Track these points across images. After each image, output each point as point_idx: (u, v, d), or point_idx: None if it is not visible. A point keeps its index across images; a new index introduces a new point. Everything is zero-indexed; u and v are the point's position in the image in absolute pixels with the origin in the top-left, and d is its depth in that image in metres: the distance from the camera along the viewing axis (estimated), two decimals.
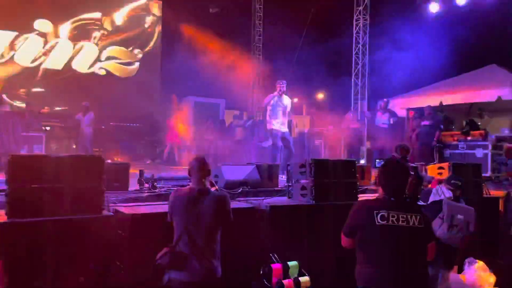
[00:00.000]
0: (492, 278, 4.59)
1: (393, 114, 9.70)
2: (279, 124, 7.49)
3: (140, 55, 13.96)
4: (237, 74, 15.49)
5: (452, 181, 4.38)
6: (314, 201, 4.59)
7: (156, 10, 14.38)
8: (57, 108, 12.26)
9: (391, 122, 9.47)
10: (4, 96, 9.72)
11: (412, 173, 4.54)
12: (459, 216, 4.01)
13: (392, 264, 2.57)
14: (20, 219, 3.22)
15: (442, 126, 9.46)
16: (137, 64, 13.91)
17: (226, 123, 12.92)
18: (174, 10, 13.70)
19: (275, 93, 7.53)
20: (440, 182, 4.68)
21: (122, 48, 13.69)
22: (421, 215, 2.68)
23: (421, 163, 6.93)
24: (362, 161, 10.27)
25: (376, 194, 3.09)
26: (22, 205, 3.25)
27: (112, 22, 13.55)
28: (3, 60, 11.96)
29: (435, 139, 9.05)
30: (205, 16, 13.79)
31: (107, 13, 13.46)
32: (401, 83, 12.12)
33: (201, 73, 13.39)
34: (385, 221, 2.61)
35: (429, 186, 4.91)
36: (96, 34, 13.27)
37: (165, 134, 11.60)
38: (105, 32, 13.40)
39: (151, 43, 14.22)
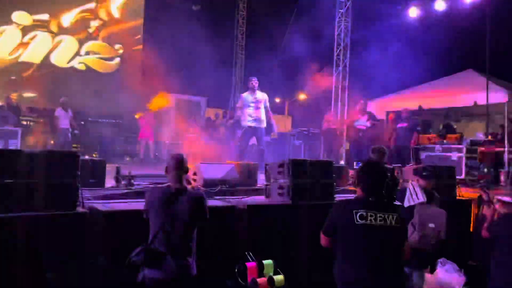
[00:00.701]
0: (463, 279, 4.73)
1: (371, 116, 9.83)
2: (250, 120, 7.50)
3: (120, 51, 13.78)
4: (219, 72, 15.47)
5: (424, 174, 4.46)
6: (291, 201, 4.62)
7: (137, 6, 14.21)
8: (37, 103, 12.00)
9: (369, 124, 9.60)
10: None
11: (389, 174, 4.62)
12: (430, 225, 4.09)
13: (370, 262, 2.63)
14: None
15: (419, 129, 9.64)
16: (117, 60, 13.73)
17: (210, 120, 12.89)
18: (156, 7, 13.59)
19: (246, 92, 7.60)
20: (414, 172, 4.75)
21: (103, 43, 13.50)
22: (397, 215, 2.75)
23: (398, 165, 7.05)
24: (342, 162, 10.39)
25: (354, 195, 3.14)
26: None
27: (95, 16, 13.34)
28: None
29: (412, 141, 9.21)
30: (187, 14, 13.70)
31: (87, 7, 13.24)
32: (380, 85, 12.32)
33: (183, 71, 13.33)
34: (364, 220, 2.67)
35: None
36: (76, 28, 13.04)
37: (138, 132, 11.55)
38: (86, 27, 13.18)
39: (132, 39, 14.04)
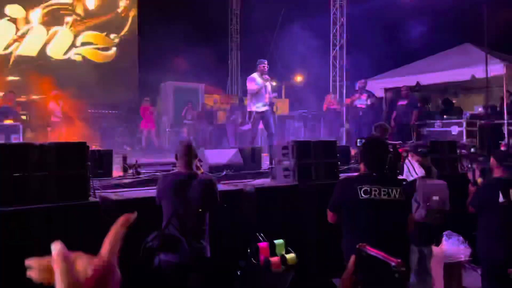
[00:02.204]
0: (469, 250, 4.83)
1: (370, 94, 9.85)
2: (264, 105, 7.26)
3: (116, 40, 13.68)
4: (215, 57, 15.40)
5: (419, 150, 4.50)
6: (297, 182, 4.69)
7: None
8: (34, 97, 11.95)
9: (369, 102, 9.62)
10: None
11: (391, 150, 4.66)
12: (434, 198, 4.14)
13: (376, 236, 2.69)
14: (6, 207, 3.20)
15: (419, 105, 9.67)
16: (114, 49, 13.64)
17: (206, 107, 12.89)
18: None
19: (256, 75, 7.30)
20: (406, 151, 4.78)
21: (98, 33, 13.39)
22: (401, 188, 2.81)
23: (399, 142, 7.10)
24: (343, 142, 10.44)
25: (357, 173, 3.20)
26: (8, 194, 3.23)
27: (84, 7, 13.20)
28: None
29: (413, 118, 9.26)
30: (181, 2, 13.58)
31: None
32: (378, 63, 12.30)
33: (179, 58, 13.28)
34: (368, 195, 2.73)
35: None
36: (68, 19, 12.91)
37: (139, 121, 11.55)
38: (78, 18, 13.05)
39: (127, 28, 13.92)
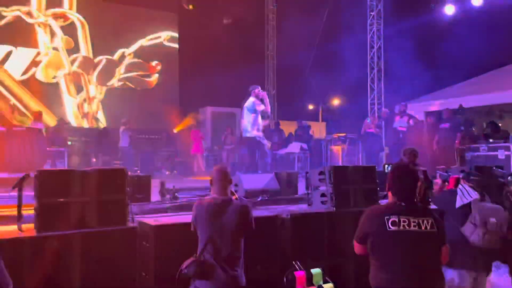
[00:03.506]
0: None
1: (411, 117, 9.61)
2: (257, 130, 7.31)
3: (158, 67, 14.20)
4: (253, 82, 15.59)
5: (471, 178, 4.29)
6: (334, 208, 4.59)
7: (172, 22, 14.63)
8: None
9: (411, 123, 9.37)
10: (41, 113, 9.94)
11: (422, 176, 4.48)
12: (492, 220, 3.91)
13: (406, 269, 2.56)
14: (49, 232, 3.31)
15: (462, 128, 9.33)
16: (155, 76, 14.15)
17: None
18: (189, 23, 13.94)
19: (253, 100, 7.31)
20: (457, 181, 4.59)
21: (140, 60, 13.96)
22: (433, 219, 2.66)
23: (442, 166, 6.85)
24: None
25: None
26: (50, 219, 3.34)
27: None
28: (25, 76, 12.28)
29: (456, 141, 8.93)
30: (219, 28, 13.97)
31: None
32: (418, 86, 12.04)
33: (217, 84, 13.57)
34: (396, 227, 2.60)
35: (445, 186, 4.82)
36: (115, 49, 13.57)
37: (190, 146, 11.81)
38: (124, 48, 13.69)
39: (169, 55, 14.45)
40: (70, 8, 12.94)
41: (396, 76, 12.87)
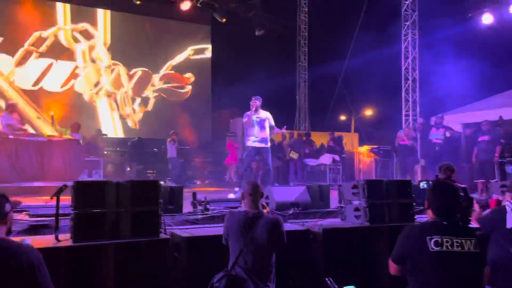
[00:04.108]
0: None
1: (448, 129, 9.31)
2: (252, 141, 7.15)
3: (192, 79, 14.45)
4: (284, 93, 15.61)
5: None
6: (368, 223, 4.47)
7: (205, 34, 14.88)
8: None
9: (448, 135, 9.08)
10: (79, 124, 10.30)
11: (462, 194, 4.29)
12: None
13: None
14: (84, 242, 3.37)
15: (502, 141, 8.96)
16: (188, 88, 14.40)
17: (274, 143, 12.97)
18: (222, 35, 14.14)
19: (249, 112, 7.26)
20: (498, 202, 4.37)
21: (174, 72, 14.25)
22: (475, 239, 2.54)
23: (481, 180, 6.58)
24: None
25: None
26: (86, 229, 3.41)
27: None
28: (64, 88, 12.75)
29: (496, 154, 8.59)
30: (251, 39, 14.07)
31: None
32: (455, 97, 11.69)
33: (247, 95, 13.63)
34: (439, 247, 2.48)
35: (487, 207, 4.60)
36: (149, 61, 13.91)
37: (226, 156, 11.92)
38: (158, 61, 14.01)
39: (201, 67, 14.69)
40: (105, 22, 13.38)
41: (432, 87, 12.56)
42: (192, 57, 14.54)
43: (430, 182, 4.05)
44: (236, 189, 7.18)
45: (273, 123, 7.30)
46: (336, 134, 12.38)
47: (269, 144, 7.30)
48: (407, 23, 12.86)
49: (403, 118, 12.68)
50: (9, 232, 2.25)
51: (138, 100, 13.76)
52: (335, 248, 4.26)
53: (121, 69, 13.52)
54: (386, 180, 4.82)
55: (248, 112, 7.29)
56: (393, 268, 2.72)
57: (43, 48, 12.44)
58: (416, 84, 12.71)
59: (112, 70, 13.41)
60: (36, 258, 2.15)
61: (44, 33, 12.51)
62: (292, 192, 5.55)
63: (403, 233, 2.70)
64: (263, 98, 13.21)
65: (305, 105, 16.37)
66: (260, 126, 7.14)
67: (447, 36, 12.53)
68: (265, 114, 7.29)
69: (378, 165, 10.65)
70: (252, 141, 7.15)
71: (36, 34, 12.38)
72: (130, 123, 13.61)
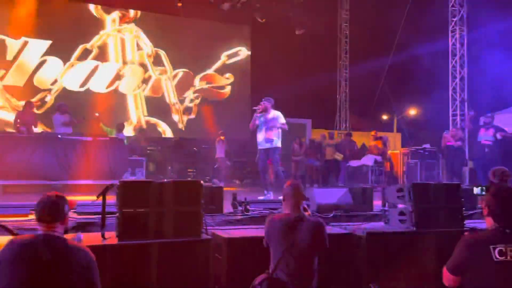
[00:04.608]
0: None
1: (499, 129, 8.83)
2: (262, 143, 7.00)
3: (231, 79, 14.55)
4: (324, 92, 15.41)
5: None
6: (414, 228, 4.30)
7: (244, 34, 14.94)
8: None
9: (499, 137, 8.61)
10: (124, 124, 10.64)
11: None
12: None
13: None
14: (129, 241, 3.44)
15: None
16: (228, 88, 14.51)
17: (314, 143, 12.81)
18: (261, 34, 14.13)
19: (257, 113, 7.11)
20: None
21: (214, 73, 14.40)
22: None
23: None
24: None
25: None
26: (130, 228, 3.48)
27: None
28: (108, 90, 13.18)
29: None
30: (291, 38, 13.99)
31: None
32: (506, 96, 11.09)
33: (287, 94, 13.56)
34: (504, 257, 2.33)
35: None
36: (189, 62, 14.13)
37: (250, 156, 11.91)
38: (198, 61, 14.20)
39: (241, 67, 14.76)
40: (149, 24, 13.71)
41: (481, 85, 11.98)
42: (231, 58, 14.62)
43: (484, 187, 3.85)
44: (266, 192, 7.09)
45: (281, 121, 7.07)
46: (379, 134, 12.07)
47: (278, 145, 7.08)
48: (455, 19, 12.34)
49: (450, 118, 12.18)
50: (65, 232, 2.39)
51: (179, 100, 14.01)
52: (379, 252, 4.13)
53: (163, 70, 13.81)
54: (433, 183, 4.63)
55: (256, 114, 7.18)
56: (449, 279, 2.56)
57: (93, 51, 12.91)
58: (465, 83, 12.17)
59: (156, 71, 13.72)
60: (91, 258, 2.30)
61: (93, 37, 12.97)
62: (334, 194, 5.44)
63: (462, 242, 2.55)
64: (303, 97, 13.13)
65: (346, 105, 16.09)
66: (266, 127, 7.01)
67: (498, 31, 11.92)
68: (273, 115, 7.08)
69: (423, 167, 10.26)
70: (259, 144, 7.08)
71: (85, 37, 12.87)
72: (176, 122, 13.87)
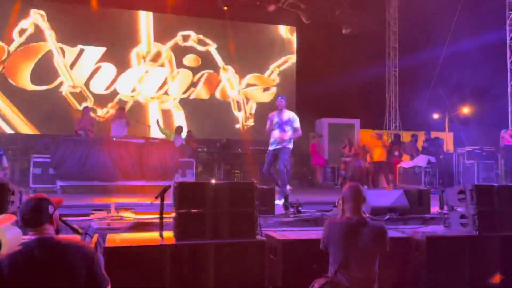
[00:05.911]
0: None
1: None
2: (274, 143, 6.66)
3: (277, 80, 14.56)
4: (373, 92, 15.05)
5: None
6: (477, 232, 4.10)
7: (291, 35, 14.90)
8: None
9: None
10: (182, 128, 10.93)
11: None
12: None
13: None
14: (187, 241, 3.50)
15: None
16: (274, 89, 14.52)
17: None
18: (307, 34, 14.03)
19: (275, 112, 6.82)
20: None
21: (260, 74, 14.46)
22: None
23: None
24: None
25: None
26: (188, 229, 3.55)
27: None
28: (159, 93, 13.56)
29: None
30: (338, 38, 13.78)
31: None
32: None
33: (335, 94, 13.36)
34: None
35: None
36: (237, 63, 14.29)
37: (310, 158, 11.85)
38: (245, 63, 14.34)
39: (287, 68, 14.73)
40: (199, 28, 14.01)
41: None
42: (280, 67, 14.64)
43: None
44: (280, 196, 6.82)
45: (296, 125, 6.71)
46: (433, 135, 11.63)
47: (290, 145, 6.70)
48: None
49: (509, 116, 11.52)
50: (57, 231, 2.34)
51: (223, 101, 14.19)
52: (439, 258, 3.97)
53: (210, 73, 14.05)
54: (497, 185, 4.39)
55: (272, 114, 6.94)
56: None
57: (148, 58, 13.39)
58: None
59: (203, 75, 13.97)
60: (89, 251, 2.26)
61: (144, 44, 13.42)
62: (388, 196, 5.30)
63: None
64: (351, 97, 12.87)
65: (396, 104, 15.62)
66: (281, 129, 6.69)
67: None
68: (288, 116, 6.75)
69: (480, 167, 9.76)
70: (271, 144, 6.76)
71: (137, 46, 13.37)
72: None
